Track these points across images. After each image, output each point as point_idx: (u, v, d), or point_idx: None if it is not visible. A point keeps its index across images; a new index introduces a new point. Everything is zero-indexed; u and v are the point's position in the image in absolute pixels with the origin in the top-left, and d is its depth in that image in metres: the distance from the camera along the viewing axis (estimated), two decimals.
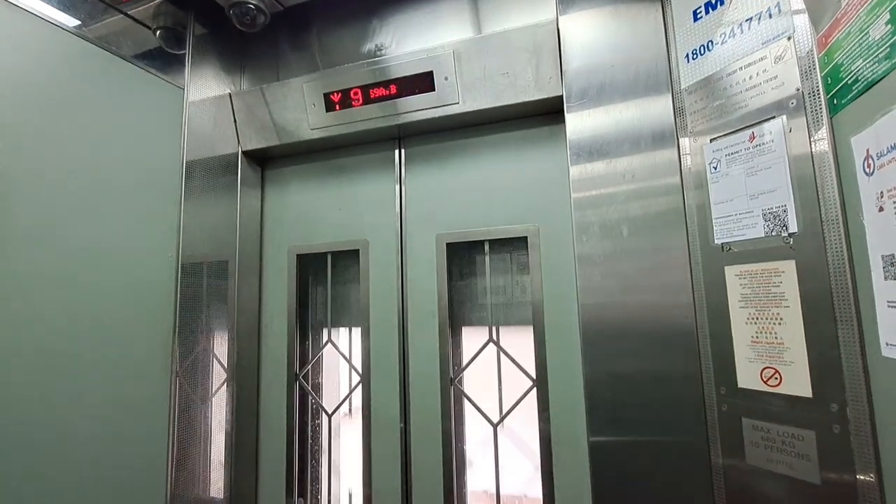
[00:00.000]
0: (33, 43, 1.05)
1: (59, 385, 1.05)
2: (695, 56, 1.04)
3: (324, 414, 1.55)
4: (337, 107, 1.42)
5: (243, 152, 1.58)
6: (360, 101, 1.39)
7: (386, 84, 1.36)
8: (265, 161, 1.68)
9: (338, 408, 1.52)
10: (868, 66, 0.73)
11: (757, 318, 0.91)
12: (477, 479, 1.38)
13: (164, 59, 1.36)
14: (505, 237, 1.37)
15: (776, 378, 0.89)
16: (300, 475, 1.53)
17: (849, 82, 0.77)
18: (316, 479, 1.56)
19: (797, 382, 0.86)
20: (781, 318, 0.88)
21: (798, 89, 0.87)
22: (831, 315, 0.82)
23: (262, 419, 1.57)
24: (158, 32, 1.35)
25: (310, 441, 1.58)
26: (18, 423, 0.97)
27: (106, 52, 1.20)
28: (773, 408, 0.89)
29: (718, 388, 0.97)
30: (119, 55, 1.23)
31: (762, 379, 0.90)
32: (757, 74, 0.94)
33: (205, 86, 1.46)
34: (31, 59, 1.05)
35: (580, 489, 1.18)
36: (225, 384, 1.45)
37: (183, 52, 1.41)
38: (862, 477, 0.79)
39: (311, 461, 1.57)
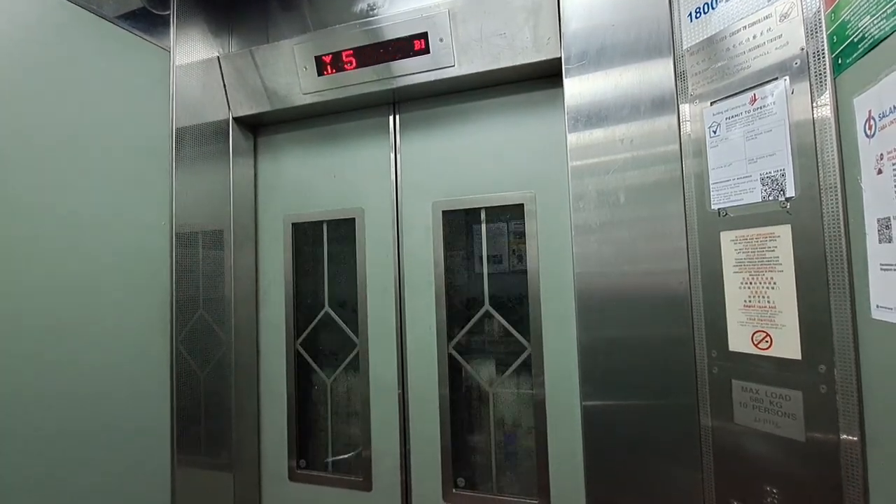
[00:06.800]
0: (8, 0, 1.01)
1: (55, 357, 1.05)
2: (698, 14, 1.01)
3: (323, 380, 1.58)
4: (329, 70, 1.38)
5: (234, 118, 1.54)
6: (353, 65, 1.35)
7: (379, 46, 1.31)
8: (257, 128, 1.64)
9: (336, 374, 1.55)
10: (875, 22, 0.71)
11: (750, 283, 0.92)
12: (473, 442, 1.42)
13: (148, 20, 1.30)
14: (502, 204, 1.36)
15: (767, 341, 0.90)
16: (301, 440, 1.57)
17: (854, 40, 0.75)
18: (317, 444, 1.60)
19: (787, 345, 0.87)
20: (775, 283, 0.89)
21: (802, 48, 0.85)
22: (824, 279, 0.83)
23: (263, 386, 1.59)
24: None
25: (310, 407, 1.61)
26: (15, 394, 0.98)
27: (87, 11, 1.15)
28: (763, 370, 0.91)
29: (710, 352, 0.99)
30: (101, 15, 1.18)
31: (753, 342, 0.92)
32: (761, 34, 0.91)
33: (192, 48, 1.41)
34: (6, 17, 1.00)
35: (573, 451, 1.22)
36: (224, 352, 1.47)
37: (168, 12, 1.35)
38: (846, 436, 0.81)
39: (312, 426, 1.61)
